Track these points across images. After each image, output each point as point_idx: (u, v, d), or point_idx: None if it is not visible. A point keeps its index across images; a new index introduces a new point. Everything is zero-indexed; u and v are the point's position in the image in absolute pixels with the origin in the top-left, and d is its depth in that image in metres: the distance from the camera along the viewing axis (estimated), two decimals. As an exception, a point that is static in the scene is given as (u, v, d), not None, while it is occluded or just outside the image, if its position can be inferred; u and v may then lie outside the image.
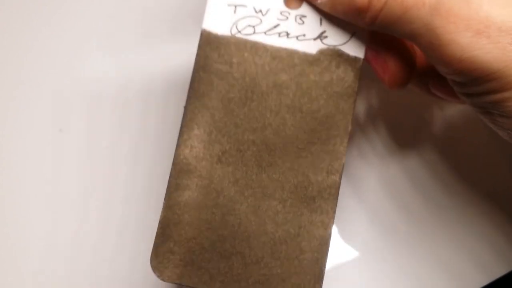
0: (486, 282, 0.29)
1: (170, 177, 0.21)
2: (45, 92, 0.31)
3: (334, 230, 0.29)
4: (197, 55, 0.22)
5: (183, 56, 0.31)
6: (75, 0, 0.33)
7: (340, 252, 0.29)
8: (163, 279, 0.21)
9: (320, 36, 0.22)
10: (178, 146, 0.22)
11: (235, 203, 0.21)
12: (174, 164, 0.22)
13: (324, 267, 0.21)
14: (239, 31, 0.22)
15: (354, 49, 0.22)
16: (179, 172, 0.21)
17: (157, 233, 0.21)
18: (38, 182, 0.30)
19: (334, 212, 0.21)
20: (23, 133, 0.31)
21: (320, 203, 0.21)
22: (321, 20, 0.22)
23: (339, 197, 0.22)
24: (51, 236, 0.30)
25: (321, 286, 0.21)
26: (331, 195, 0.21)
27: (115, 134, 0.31)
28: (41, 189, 0.30)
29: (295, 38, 0.22)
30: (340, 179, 0.22)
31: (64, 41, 0.32)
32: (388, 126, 0.31)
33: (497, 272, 0.29)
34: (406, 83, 0.23)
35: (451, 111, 0.31)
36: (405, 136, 0.31)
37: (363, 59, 0.22)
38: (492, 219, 0.30)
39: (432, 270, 0.29)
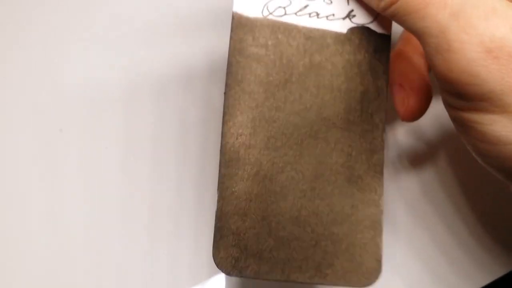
0: (485, 282, 0.29)
1: (220, 167, 0.20)
2: (49, 91, 0.30)
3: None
4: (231, 39, 0.21)
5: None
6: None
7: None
8: (227, 274, 0.20)
9: (349, 15, 0.22)
10: (223, 135, 0.21)
11: (287, 189, 0.21)
12: (222, 153, 0.21)
13: (382, 244, 0.21)
14: (270, 13, 0.22)
15: (382, 27, 0.22)
16: (228, 162, 0.21)
17: (215, 226, 0.20)
18: (42, 182, 0.29)
19: (383, 189, 0.22)
20: (23, 133, 0.29)
21: (368, 181, 0.22)
22: None
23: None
24: (56, 237, 0.28)
25: (380, 263, 0.21)
26: (377, 172, 0.22)
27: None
28: (41, 190, 0.29)
29: (325, 18, 0.22)
30: (383, 155, 0.22)
31: (78, 35, 0.31)
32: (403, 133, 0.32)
33: (497, 272, 0.29)
34: (418, 118, 0.24)
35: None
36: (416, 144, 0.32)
37: (390, 35, 0.22)
38: (492, 219, 0.30)
39: (432, 269, 0.29)
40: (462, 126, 0.21)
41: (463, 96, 0.19)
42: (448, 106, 0.21)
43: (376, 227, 0.21)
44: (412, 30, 0.20)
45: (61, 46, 0.31)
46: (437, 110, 0.26)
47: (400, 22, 0.20)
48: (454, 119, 0.21)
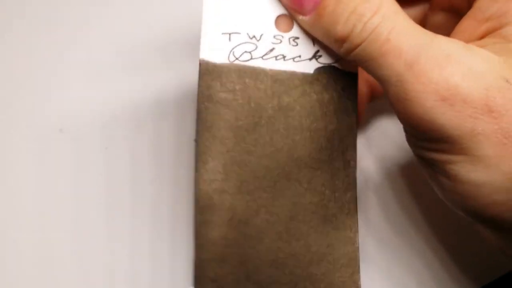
0: (485, 282, 0.29)
1: (195, 214, 0.21)
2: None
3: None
4: (199, 86, 0.21)
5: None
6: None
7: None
8: None
9: (315, 56, 0.22)
10: (196, 181, 0.21)
11: (263, 232, 0.21)
12: (196, 200, 0.21)
13: (359, 280, 0.21)
14: (236, 58, 0.22)
15: (348, 65, 0.23)
16: (203, 208, 0.21)
17: (193, 275, 0.20)
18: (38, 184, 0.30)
19: (357, 226, 0.22)
20: (23, 133, 0.30)
21: (342, 219, 0.22)
22: (313, 40, 0.22)
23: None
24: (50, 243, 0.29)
25: None
26: (351, 209, 0.22)
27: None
28: (41, 189, 0.29)
29: (292, 60, 0.22)
30: (356, 192, 0.22)
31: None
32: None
33: (496, 272, 0.29)
34: None
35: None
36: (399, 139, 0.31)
37: (357, 73, 0.23)
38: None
39: (432, 269, 0.29)
40: (424, 162, 0.21)
41: (425, 138, 0.20)
42: (410, 144, 0.22)
43: (353, 265, 0.21)
44: (374, 76, 0.21)
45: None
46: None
47: (362, 68, 0.21)
48: (416, 155, 0.22)
